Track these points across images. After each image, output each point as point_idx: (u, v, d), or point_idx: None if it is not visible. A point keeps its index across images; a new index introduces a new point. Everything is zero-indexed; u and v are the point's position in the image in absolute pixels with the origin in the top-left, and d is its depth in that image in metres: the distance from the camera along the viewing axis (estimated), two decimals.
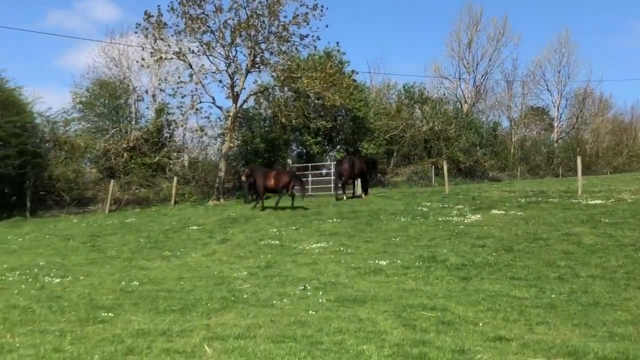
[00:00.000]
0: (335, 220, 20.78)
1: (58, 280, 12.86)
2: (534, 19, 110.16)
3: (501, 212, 20.52)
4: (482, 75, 67.28)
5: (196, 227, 21.43)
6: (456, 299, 10.13)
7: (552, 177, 57.40)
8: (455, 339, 7.81)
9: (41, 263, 15.37)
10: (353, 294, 10.66)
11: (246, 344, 7.70)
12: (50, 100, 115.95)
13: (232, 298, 10.53)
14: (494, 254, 13.95)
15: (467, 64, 66.92)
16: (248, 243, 17.40)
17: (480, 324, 8.54)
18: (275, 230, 19.39)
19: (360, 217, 20.98)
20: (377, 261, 13.67)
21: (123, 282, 12.26)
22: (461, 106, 62.61)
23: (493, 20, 68.61)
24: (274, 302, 10.23)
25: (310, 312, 9.45)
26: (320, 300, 10.23)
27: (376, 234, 17.68)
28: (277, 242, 17.24)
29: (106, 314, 9.51)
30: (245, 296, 10.70)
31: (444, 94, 61.13)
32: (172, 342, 7.86)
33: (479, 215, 20.01)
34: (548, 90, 73.39)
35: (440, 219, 19.72)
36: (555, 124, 72.15)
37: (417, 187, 41.01)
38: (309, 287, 11.37)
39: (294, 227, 19.69)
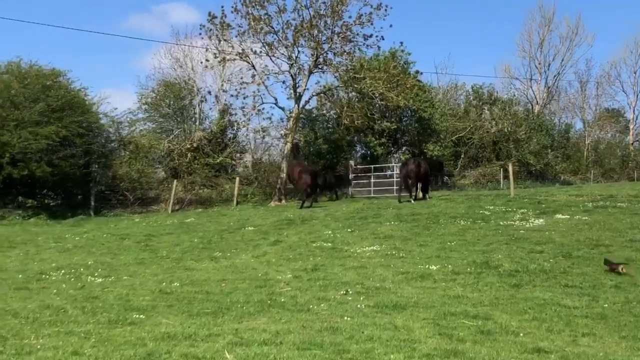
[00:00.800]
0: (392, 223, 20.34)
1: (100, 280, 12.83)
2: (609, 18, 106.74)
3: (566, 216, 19.75)
4: (554, 76, 65.71)
5: (252, 228, 21.29)
6: (502, 307, 9.63)
7: (626, 180, 55.49)
8: (490, 350, 7.34)
9: (89, 262, 15.41)
10: (394, 299, 10.26)
11: (270, 350, 7.38)
12: (124, 100, 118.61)
13: (269, 302, 10.26)
14: (551, 260, 13.34)
15: (539, 64, 65.45)
16: (300, 245, 17.11)
17: (522, 335, 8.04)
18: (330, 232, 19.06)
19: (419, 220, 20.48)
20: (427, 266, 13.22)
21: (164, 283, 12.12)
22: (532, 107, 61.20)
23: (566, 19, 66.87)
24: (311, 306, 9.91)
25: (346, 318, 9.10)
26: (358, 306, 9.86)
27: (432, 237, 17.18)
28: (329, 244, 16.89)
29: (137, 316, 9.34)
30: (282, 300, 10.41)
31: (514, 95, 59.89)
32: (194, 347, 7.61)
33: (542, 220, 19.31)
34: (624, 91, 71.18)
35: (501, 223, 19.11)
36: (631, 126, 69.81)
37: (484, 190, 40.10)
38: (350, 292, 11.01)
39: (349, 230, 19.33)
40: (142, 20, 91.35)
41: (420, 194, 29.49)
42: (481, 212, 21.90)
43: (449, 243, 16.09)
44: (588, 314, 9.05)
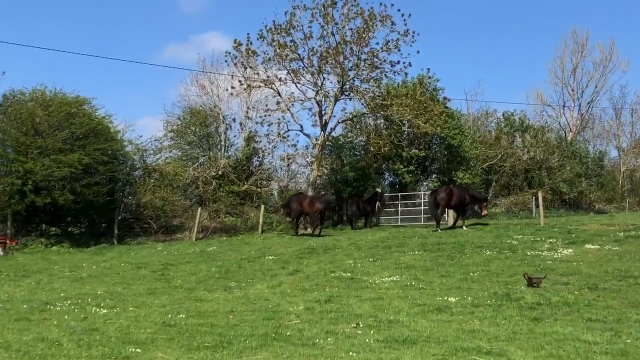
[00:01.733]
0: (416, 252, 19.90)
1: (105, 311, 12.46)
2: None
3: (595, 246, 19.14)
4: (588, 103, 64.62)
5: (272, 257, 20.94)
6: (518, 343, 9.08)
7: None
8: None
9: (99, 292, 15.11)
10: (406, 334, 9.76)
11: None
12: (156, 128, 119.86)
13: (274, 335, 9.81)
14: (575, 292, 12.77)
15: (572, 90, 64.40)
16: (318, 275, 16.70)
17: None
18: (351, 261, 18.66)
19: (444, 250, 20.00)
20: (446, 297, 12.71)
21: (169, 315, 11.73)
22: (565, 135, 60.22)
23: (599, 45, 65.76)
24: (317, 340, 9.45)
25: (351, 353, 8.62)
26: (367, 340, 9.38)
27: (455, 268, 16.68)
28: (349, 274, 16.46)
29: (134, 350, 8.94)
30: (288, 333, 9.96)
31: (546, 122, 58.95)
32: None
33: (570, 250, 18.74)
34: None
35: (528, 253, 18.58)
36: None
37: (516, 219, 39.27)
38: (361, 325, 10.54)
39: (371, 259, 18.92)
40: (181, 50, 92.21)
41: (460, 222, 28.84)
42: (509, 241, 21.35)
43: (471, 274, 15.59)
44: (608, 350, 8.48)
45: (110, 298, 14.20)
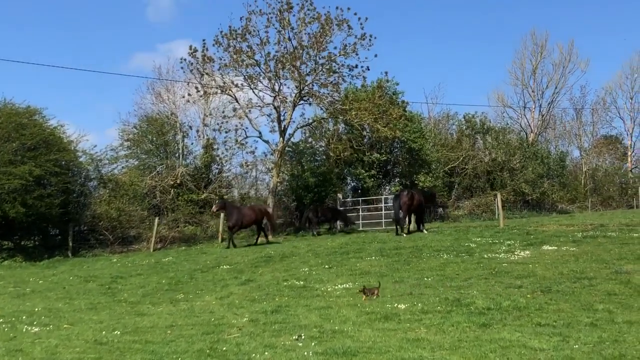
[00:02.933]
0: (373, 258, 19.54)
1: (37, 329, 11.82)
2: (603, 43, 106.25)
3: (553, 247, 18.93)
4: (549, 104, 65.02)
5: (227, 267, 20.48)
6: (462, 351, 8.73)
7: (626, 208, 54.49)
8: None
9: (37, 309, 14.43)
10: (348, 345, 9.36)
11: None
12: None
13: (209, 351, 9.35)
14: (528, 295, 12.47)
15: (532, 91, 64.76)
16: (270, 284, 16.27)
17: None
18: (306, 269, 18.27)
19: (402, 255, 19.66)
20: (396, 305, 12.32)
21: (104, 332, 11.20)
22: (526, 136, 60.41)
23: (558, 46, 66.24)
24: (254, 355, 9.03)
25: None
26: (305, 354, 8.97)
27: (410, 273, 16.34)
28: (302, 282, 16.05)
29: None
30: (224, 348, 9.50)
31: (507, 124, 59.19)
32: None
33: (528, 252, 18.50)
34: (620, 117, 70.36)
35: (485, 256, 18.28)
36: (629, 153, 68.87)
37: (478, 221, 39.15)
38: (304, 337, 10.12)
39: (327, 266, 18.53)
40: (148, 58, 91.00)
41: (414, 227, 28.71)
42: (467, 244, 21.09)
43: (425, 279, 15.27)
44: (554, 357, 8.17)
45: (47, 315, 13.57)
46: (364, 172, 40.07)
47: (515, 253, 18.39)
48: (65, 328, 11.93)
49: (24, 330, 11.83)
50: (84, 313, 13.74)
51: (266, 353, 9.11)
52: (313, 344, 9.64)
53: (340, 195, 37.71)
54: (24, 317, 13.27)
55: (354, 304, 12.81)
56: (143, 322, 12.21)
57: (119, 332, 11.14)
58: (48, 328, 11.98)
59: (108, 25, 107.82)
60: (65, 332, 11.55)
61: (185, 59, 33.08)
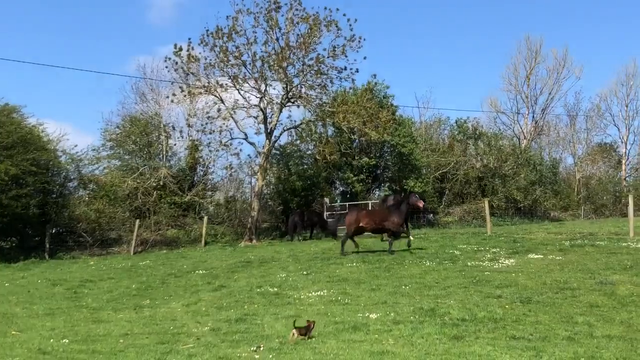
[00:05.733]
0: (354, 264, 18.93)
1: None
2: (598, 49, 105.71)
3: (539, 256, 18.40)
4: (542, 110, 64.44)
5: (203, 272, 19.87)
6: None
7: (619, 217, 53.89)
8: None
9: None
10: (307, 358, 8.77)
11: None
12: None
13: None
14: (506, 306, 11.88)
15: (526, 97, 64.18)
16: (243, 290, 15.66)
17: None
18: (284, 275, 17.68)
19: (384, 261, 19.09)
20: (368, 314, 11.76)
21: (52, 340, 10.56)
22: (519, 142, 59.78)
23: (553, 52, 65.67)
24: None
25: None
26: None
27: (389, 280, 15.74)
28: (276, 289, 15.45)
29: None
30: None
31: (500, 130, 58.57)
32: None
33: (512, 260, 17.95)
34: (615, 125, 69.70)
35: (469, 264, 17.73)
36: (624, 161, 68.25)
37: (468, 228, 38.55)
38: (262, 348, 9.53)
39: (305, 272, 17.94)
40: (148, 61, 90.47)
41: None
42: (452, 251, 20.57)
43: (403, 287, 14.69)
44: None
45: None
46: (352, 176, 39.43)
47: (500, 261, 17.85)
48: (12, 335, 11.30)
49: None
50: (39, 319, 13.11)
51: None
52: (271, 356, 9.05)
53: (326, 200, 36.99)
54: None
55: (324, 313, 12.23)
56: (97, 329, 11.57)
57: (67, 340, 10.51)
58: None
59: (110, 28, 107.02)
60: (11, 339, 10.93)
61: (169, 58, 32.32)
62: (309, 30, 32.27)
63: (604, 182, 62.42)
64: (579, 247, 19.99)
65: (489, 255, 19.11)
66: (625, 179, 66.74)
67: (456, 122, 52.28)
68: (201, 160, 38.46)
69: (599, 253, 18.34)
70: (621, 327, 9.90)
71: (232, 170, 36.89)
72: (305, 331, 10.32)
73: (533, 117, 64.43)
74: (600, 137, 70.04)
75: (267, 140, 33.80)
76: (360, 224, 21.97)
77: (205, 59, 32.33)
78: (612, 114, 69.28)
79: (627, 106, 68.70)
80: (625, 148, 68.95)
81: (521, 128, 63.92)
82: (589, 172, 64.15)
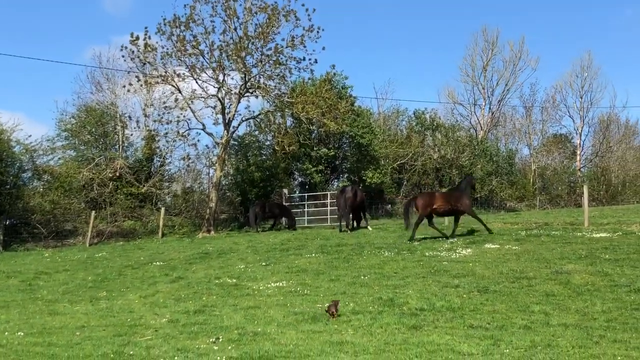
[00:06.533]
0: (313, 255, 18.92)
1: None
2: (553, 41, 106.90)
3: (495, 246, 18.48)
4: (499, 101, 64.98)
5: (160, 263, 19.69)
6: (387, 355, 8.19)
7: (574, 207, 54.73)
8: None
9: None
10: (266, 349, 8.71)
11: None
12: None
13: (112, 356, 8.62)
14: (464, 295, 11.98)
15: (483, 89, 64.61)
16: (201, 282, 15.57)
17: None
18: (243, 266, 17.61)
19: (342, 252, 19.07)
20: (327, 305, 11.69)
21: (6, 333, 10.39)
22: (476, 133, 60.32)
23: (509, 44, 66.15)
24: None
25: None
26: (218, 358, 8.30)
27: (348, 271, 15.75)
28: (234, 280, 15.40)
29: None
30: (132, 352, 8.79)
31: (457, 121, 58.96)
32: None
33: (469, 250, 18.02)
34: (570, 116, 70.65)
35: (427, 254, 17.77)
36: (578, 152, 69.30)
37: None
38: (221, 339, 9.49)
39: (264, 263, 17.87)
40: (104, 50, 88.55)
41: (356, 224, 28.23)
42: (410, 241, 20.54)
43: (362, 277, 14.71)
44: None
45: None
46: (311, 167, 39.46)
47: (457, 251, 17.93)
48: None
49: None
50: None
51: (176, 358, 8.44)
52: (230, 347, 8.99)
53: (285, 191, 36.89)
54: None
55: (283, 304, 12.22)
56: (53, 322, 11.41)
57: (22, 333, 10.37)
58: None
59: (64, 16, 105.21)
60: None
61: (126, 47, 31.77)
62: (268, 20, 32.06)
63: (559, 173, 63.34)
64: (534, 237, 20.17)
65: (446, 246, 19.19)
66: (579, 169, 67.72)
67: (414, 113, 52.57)
68: (158, 150, 38.02)
69: (555, 243, 18.52)
70: (577, 316, 10.04)
71: (190, 161, 36.69)
72: (335, 309, 10.71)
73: (490, 108, 64.97)
74: (556, 129, 70.88)
75: (225, 131, 33.54)
76: (434, 206, 21.93)
77: (162, 48, 31.93)
78: (567, 105, 70.09)
79: (581, 97, 69.58)
80: (580, 139, 69.88)
81: (478, 119, 64.39)
82: (544, 163, 64.99)
